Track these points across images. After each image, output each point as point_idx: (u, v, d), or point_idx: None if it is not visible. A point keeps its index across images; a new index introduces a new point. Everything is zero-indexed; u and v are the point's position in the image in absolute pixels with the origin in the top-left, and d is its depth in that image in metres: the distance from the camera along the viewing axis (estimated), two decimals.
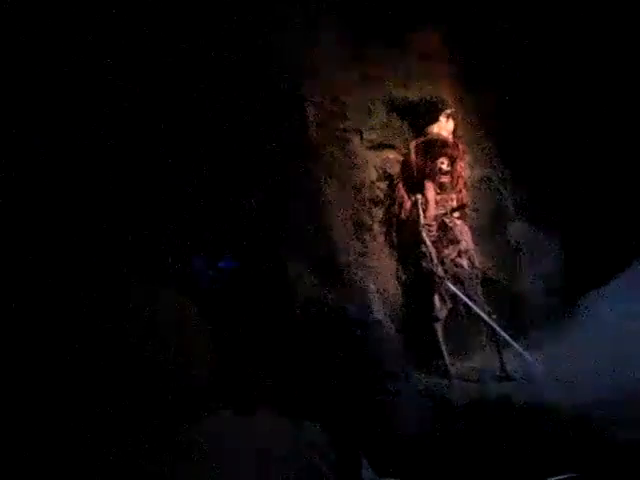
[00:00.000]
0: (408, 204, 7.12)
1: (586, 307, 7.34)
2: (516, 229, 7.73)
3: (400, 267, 7.07)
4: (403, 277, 7.03)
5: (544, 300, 7.50)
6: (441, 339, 6.34)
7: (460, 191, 7.25)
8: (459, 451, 5.16)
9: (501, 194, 7.70)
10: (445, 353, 6.30)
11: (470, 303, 6.49)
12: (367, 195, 7.13)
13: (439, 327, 6.41)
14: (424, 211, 7.01)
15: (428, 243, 6.79)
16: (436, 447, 5.19)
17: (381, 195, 7.17)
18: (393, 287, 6.96)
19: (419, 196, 7.07)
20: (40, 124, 5.65)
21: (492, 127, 7.72)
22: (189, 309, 4.84)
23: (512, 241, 7.63)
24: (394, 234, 7.12)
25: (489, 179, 7.70)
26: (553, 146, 7.64)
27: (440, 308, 6.50)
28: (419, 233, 6.91)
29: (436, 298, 6.54)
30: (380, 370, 5.72)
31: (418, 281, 6.84)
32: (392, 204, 7.18)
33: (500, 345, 6.45)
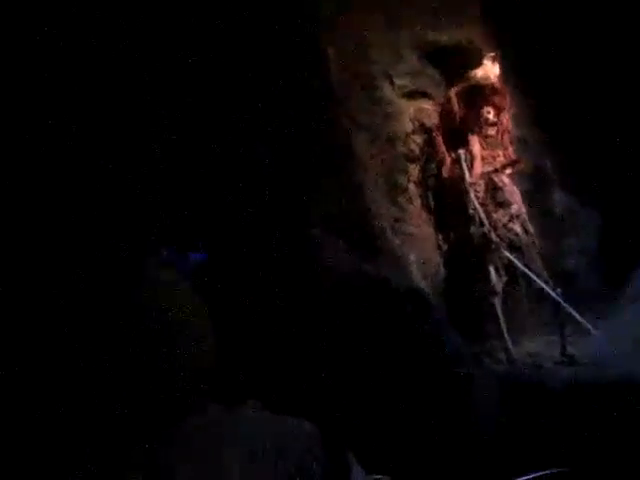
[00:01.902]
0: (449, 161, 6.13)
1: (632, 285, 6.50)
2: (557, 197, 6.81)
3: (440, 235, 6.10)
4: (444, 247, 6.05)
5: (588, 276, 6.61)
6: (501, 316, 5.36)
7: (506, 148, 6.30)
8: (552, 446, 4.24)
9: (540, 158, 6.77)
10: (506, 332, 5.31)
11: (531, 274, 5.53)
12: (402, 150, 6.13)
13: (497, 302, 5.42)
14: (469, 168, 6.03)
15: (477, 205, 5.80)
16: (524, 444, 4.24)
17: (417, 150, 6.16)
18: (435, 258, 5.96)
19: (462, 151, 6.08)
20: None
21: (530, 82, 6.79)
22: (186, 293, 3.96)
23: (554, 210, 6.71)
24: (432, 196, 6.14)
25: (525, 141, 6.77)
26: (597, 107, 6.73)
27: (497, 280, 5.53)
28: (464, 194, 5.91)
29: (491, 268, 5.55)
30: (441, 352, 4.71)
31: (465, 250, 5.85)
32: (430, 161, 6.18)
33: (564, 323, 5.51)
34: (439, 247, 5.96)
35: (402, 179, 6.03)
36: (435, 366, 4.89)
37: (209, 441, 1.85)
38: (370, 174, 6.00)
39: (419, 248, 5.90)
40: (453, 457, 4.34)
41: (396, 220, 5.93)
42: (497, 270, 5.53)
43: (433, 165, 6.11)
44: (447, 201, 6.05)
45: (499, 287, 5.48)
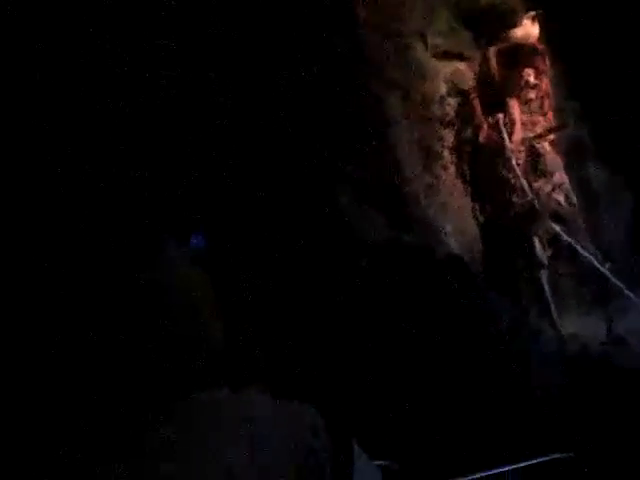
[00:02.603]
0: (486, 126, 5.73)
1: None
2: (593, 170, 6.40)
3: (477, 205, 5.70)
4: (481, 218, 5.64)
5: (623, 252, 6.22)
6: (548, 291, 4.97)
7: (546, 113, 5.90)
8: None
9: (578, 128, 6.36)
10: (553, 307, 4.92)
11: (578, 247, 5.14)
12: (436, 113, 5.71)
13: (544, 276, 5.02)
14: (509, 134, 5.63)
15: (519, 172, 5.40)
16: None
17: (452, 114, 5.75)
18: (471, 229, 5.56)
19: (501, 116, 5.69)
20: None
21: (566, 48, 6.38)
22: (198, 277, 3.59)
23: (590, 182, 6.31)
24: (467, 164, 5.73)
25: (561, 109, 6.36)
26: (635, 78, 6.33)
27: (542, 253, 5.13)
28: (504, 161, 5.51)
29: (536, 240, 5.15)
30: (493, 327, 4.31)
31: (504, 222, 5.45)
32: (465, 126, 5.78)
33: (612, 299, 5.12)
34: (475, 218, 5.56)
35: (436, 145, 5.62)
36: (488, 341, 4.50)
37: (208, 422, 1.80)
38: (403, 139, 5.59)
39: (455, 218, 5.50)
40: (508, 433, 4.00)
41: (430, 188, 5.52)
42: (542, 242, 5.14)
43: (469, 131, 5.71)
44: (484, 169, 5.64)
45: (545, 260, 5.09)
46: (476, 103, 5.63)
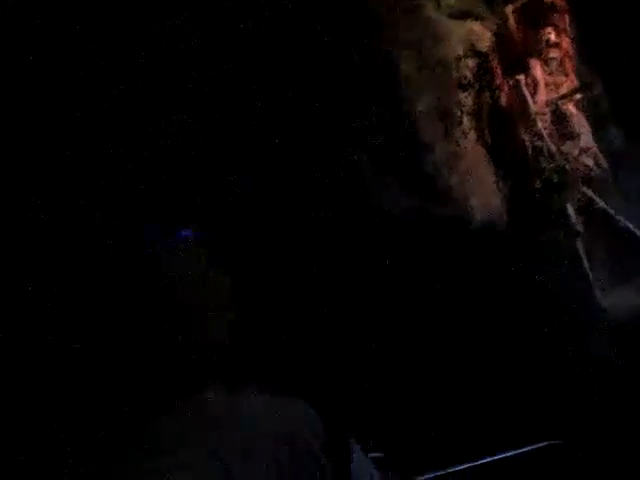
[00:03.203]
0: (507, 88, 5.37)
1: None
2: (612, 134, 6.07)
3: (500, 172, 5.34)
4: (505, 185, 5.29)
5: None
6: (585, 259, 4.61)
7: (568, 74, 5.55)
8: None
9: (597, 89, 6.02)
10: (591, 276, 4.57)
11: (614, 213, 4.79)
12: (453, 76, 5.34)
13: (581, 245, 4.66)
14: (532, 95, 5.27)
15: (545, 135, 5.04)
16: None
17: (469, 76, 5.39)
18: (496, 199, 5.20)
19: (522, 77, 5.33)
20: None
21: (586, 5, 6.04)
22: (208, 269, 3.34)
23: (613, 147, 5.97)
24: (488, 130, 5.37)
25: (583, 70, 6.02)
26: None
27: (576, 220, 4.77)
28: (527, 125, 5.15)
29: (569, 207, 4.79)
30: (528, 300, 3.97)
31: (531, 189, 5.09)
32: (484, 89, 5.41)
33: None
34: (499, 186, 5.20)
35: (455, 109, 5.25)
36: (524, 316, 4.17)
37: (208, 422, 1.80)
38: (421, 103, 5.23)
39: (479, 186, 5.14)
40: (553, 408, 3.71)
41: (451, 155, 5.16)
42: (575, 209, 4.79)
43: (488, 94, 5.35)
44: (506, 134, 5.28)
45: (580, 227, 4.74)
46: (495, 64, 5.25)
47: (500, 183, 5.30)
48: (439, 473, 3.76)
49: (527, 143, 5.10)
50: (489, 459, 3.80)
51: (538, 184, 4.96)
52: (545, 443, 3.85)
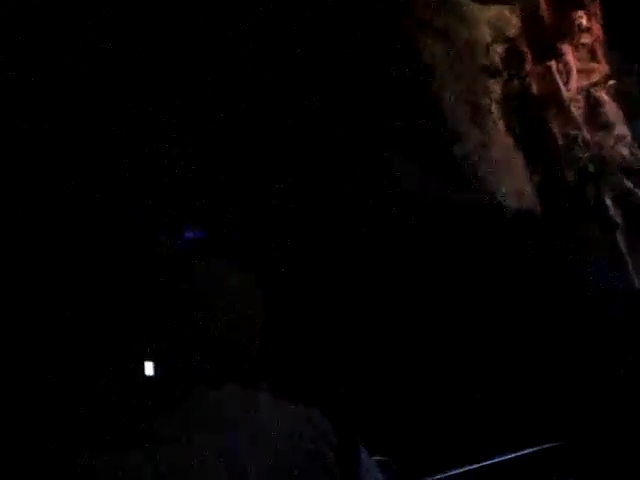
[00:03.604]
0: (537, 75, 5.14)
1: None
2: None
3: (531, 163, 5.11)
4: (536, 176, 5.06)
5: None
6: (626, 252, 4.39)
7: (600, 60, 5.34)
8: None
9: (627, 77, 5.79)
10: (633, 272, 4.34)
11: None
12: (482, 62, 5.11)
13: (620, 237, 4.44)
14: (564, 82, 5.05)
15: (580, 123, 4.81)
16: None
17: (498, 63, 5.17)
18: (528, 188, 4.97)
19: (553, 63, 5.11)
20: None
21: None
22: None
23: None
24: (517, 118, 5.14)
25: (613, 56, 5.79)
26: None
27: (615, 211, 4.54)
28: (561, 113, 4.91)
29: (607, 198, 4.56)
30: (567, 290, 3.76)
31: (567, 179, 4.87)
32: (513, 76, 5.19)
33: None
34: (529, 175, 4.97)
35: (483, 97, 5.02)
36: (562, 306, 3.95)
37: (222, 421, 1.77)
38: (449, 91, 5.00)
39: (508, 175, 4.91)
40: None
41: (480, 144, 4.93)
42: (614, 199, 4.56)
43: (517, 81, 5.13)
44: (536, 123, 5.06)
45: (619, 219, 4.51)
46: (524, 50, 5.02)
47: (531, 173, 5.09)
48: (442, 475, 3.73)
49: (559, 132, 4.88)
50: (492, 461, 3.78)
51: (572, 174, 4.74)
52: (550, 445, 3.82)
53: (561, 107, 4.86)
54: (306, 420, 1.83)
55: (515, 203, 4.71)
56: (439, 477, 3.72)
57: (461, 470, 3.71)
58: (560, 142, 4.87)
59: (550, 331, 4.22)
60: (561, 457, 3.75)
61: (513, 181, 4.87)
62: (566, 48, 5.05)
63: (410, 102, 4.71)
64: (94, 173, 4.58)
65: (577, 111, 4.83)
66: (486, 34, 5.11)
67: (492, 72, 5.07)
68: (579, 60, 5.07)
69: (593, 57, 5.17)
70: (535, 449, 3.81)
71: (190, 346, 1.86)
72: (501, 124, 5.09)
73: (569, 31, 5.06)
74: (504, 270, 4.46)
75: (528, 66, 5.15)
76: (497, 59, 5.11)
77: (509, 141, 5.10)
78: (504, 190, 4.67)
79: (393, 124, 4.64)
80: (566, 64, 5.01)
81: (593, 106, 4.89)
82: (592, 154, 4.60)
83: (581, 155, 4.65)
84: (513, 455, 3.77)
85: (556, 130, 4.95)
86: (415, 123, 4.62)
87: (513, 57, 5.17)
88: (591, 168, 4.60)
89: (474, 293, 4.48)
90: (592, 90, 4.91)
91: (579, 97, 4.88)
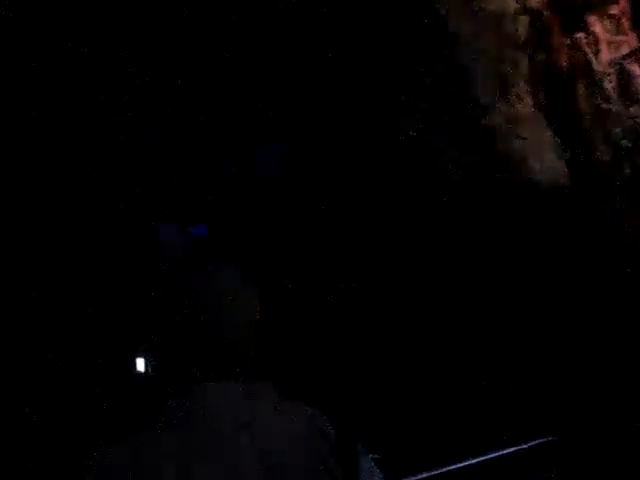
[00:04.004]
0: (565, 47, 4.93)
1: None
2: None
3: (560, 139, 4.89)
4: (567, 153, 4.84)
5: None
6: None
7: (627, 32, 5.13)
8: None
9: None
10: None
11: None
12: (508, 32, 4.88)
13: None
14: (594, 55, 4.83)
15: (614, 97, 4.60)
16: None
17: (524, 35, 4.95)
18: (558, 164, 4.75)
19: (581, 35, 4.89)
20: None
21: None
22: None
23: None
24: (545, 92, 4.92)
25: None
26: None
27: None
28: (592, 86, 4.68)
29: None
30: (603, 273, 3.57)
31: (600, 156, 4.65)
32: (541, 49, 4.96)
33: None
34: (559, 150, 4.75)
35: (511, 70, 4.81)
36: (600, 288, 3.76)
37: (225, 423, 1.75)
38: (474, 63, 4.77)
39: (537, 151, 4.69)
40: None
41: (509, 119, 4.71)
42: None
43: (544, 54, 4.91)
44: (565, 97, 4.84)
45: None
46: (551, 22, 4.80)
47: (561, 148, 4.87)
48: (433, 472, 3.69)
49: (590, 106, 4.67)
50: (483, 457, 3.77)
51: (605, 149, 4.53)
52: (540, 440, 3.80)
53: (592, 80, 4.65)
54: (307, 421, 1.83)
55: (547, 180, 4.49)
56: (430, 474, 3.68)
57: (452, 467, 3.68)
58: (591, 117, 4.66)
59: (579, 312, 4.04)
60: (551, 453, 3.72)
61: (544, 157, 4.66)
62: (593, 20, 4.83)
63: (436, 75, 4.48)
64: (88, 172, 4.45)
65: (609, 84, 4.63)
66: (511, 4, 4.89)
67: (518, 45, 4.85)
68: (609, 31, 4.88)
69: (620, 29, 4.98)
70: (525, 445, 3.72)
71: (187, 346, 1.82)
72: (529, 100, 4.88)
73: (596, 2, 4.85)
74: (535, 249, 4.26)
75: (555, 38, 4.94)
76: (522, 31, 4.90)
77: (538, 116, 4.89)
78: (535, 167, 4.46)
79: (417, 102, 4.41)
80: (595, 36, 4.79)
81: (625, 79, 4.68)
82: (626, 128, 4.40)
83: (614, 129, 4.44)
84: (504, 451, 3.75)
85: (587, 104, 4.74)
86: (441, 99, 4.39)
87: (539, 29, 4.95)
88: (625, 143, 4.39)
89: (502, 274, 4.28)
90: (624, 63, 4.71)
91: (610, 70, 4.68)
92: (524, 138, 4.52)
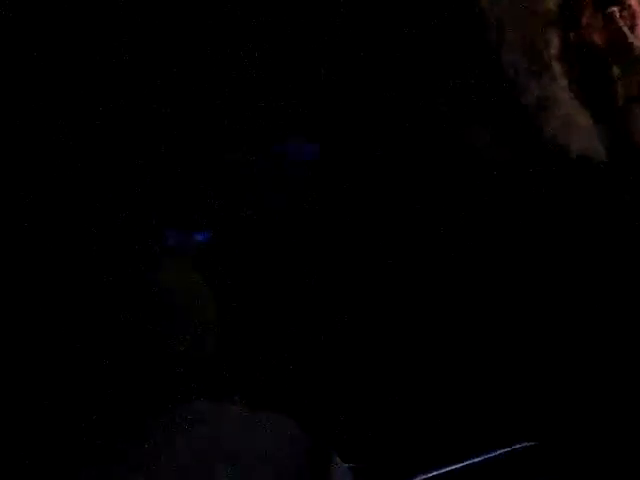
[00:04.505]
0: (599, 24, 4.68)
1: None
2: None
3: (597, 120, 4.66)
4: (603, 136, 4.60)
5: None
6: None
7: None
8: None
9: None
10: None
11: None
12: (539, 9, 4.65)
13: None
14: (630, 29, 4.59)
15: None
16: None
17: (556, 10, 4.71)
18: (597, 149, 4.52)
19: (615, 9, 4.64)
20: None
21: None
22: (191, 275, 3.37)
23: None
24: (580, 71, 4.69)
25: None
26: None
27: None
28: (631, 63, 4.47)
29: None
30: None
31: (638, 139, 4.42)
32: (571, 27, 4.72)
33: None
34: (596, 134, 4.52)
35: (544, 49, 4.58)
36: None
37: (193, 439, 1.89)
38: (507, 41, 4.54)
39: (574, 134, 4.47)
40: None
41: (545, 100, 4.47)
42: None
43: (577, 31, 4.67)
44: (600, 76, 4.61)
45: None
46: None
47: (598, 131, 4.65)
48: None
49: (625, 84, 4.44)
50: (463, 464, 3.69)
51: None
52: (520, 445, 3.72)
53: (627, 56, 4.41)
54: (282, 435, 1.86)
55: (582, 161, 4.28)
56: None
57: (432, 474, 3.63)
58: (627, 95, 4.43)
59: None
60: (534, 458, 3.64)
61: (581, 141, 4.44)
62: None
63: (467, 55, 4.25)
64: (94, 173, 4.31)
65: None
66: None
67: (551, 22, 4.61)
68: None
69: None
70: (504, 450, 3.75)
71: (147, 358, 1.85)
72: (563, 80, 4.66)
73: None
74: (574, 234, 4.08)
75: (587, 14, 4.70)
76: (553, 7, 4.67)
77: (573, 96, 4.67)
78: (570, 147, 4.24)
79: (447, 82, 4.19)
80: (630, 10, 4.56)
81: None
82: None
83: None
84: (483, 457, 3.69)
85: (622, 82, 4.50)
86: (472, 80, 4.17)
87: (570, 4, 4.72)
88: None
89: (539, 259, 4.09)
90: None
91: None
92: (559, 118, 4.30)
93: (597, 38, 4.19)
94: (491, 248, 4.08)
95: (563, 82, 4.34)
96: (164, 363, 1.84)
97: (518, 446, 3.76)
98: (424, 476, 3.60)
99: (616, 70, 4.15)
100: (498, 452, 3.68)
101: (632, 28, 4.18)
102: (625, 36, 4.12)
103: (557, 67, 4.27)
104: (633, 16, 4.26)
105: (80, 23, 4.23)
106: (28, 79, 4.08)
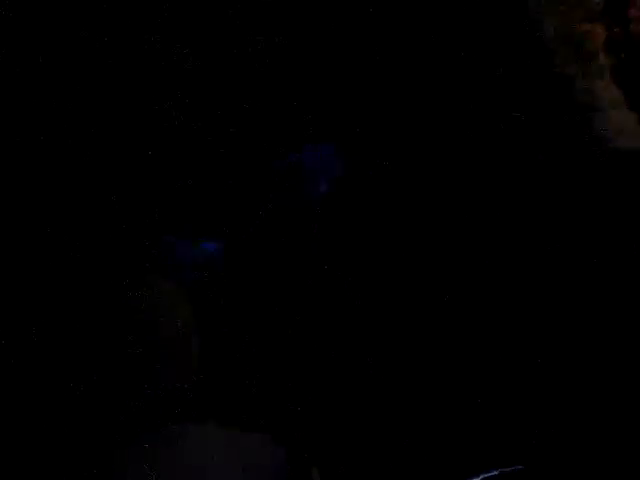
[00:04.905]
0: None
1: None
2: None
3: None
4: None
5: None
6: None
7: None
8: None
9: None
10: None
11: None
12: (585, 3, 4.56)
13: None
14: None
15: None
16: None
17: (600, 4, 4.61)
18: None
19: None
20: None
21: None
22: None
23: None
24: (625, 67, 4.58)
25: None
26: None
27: None
28: None
29: None
30: None
31: None
32: (616, 20, 4.62)
33: None
34: None
35: (587, 42, 4.48)
36: None
37: (168, 456, 1.77)
38: (549, 33, 4.45)
39: (622, 138, 4.35)
40: None
41: (589, 95, 4.36)
42: None
43: (622, 24, 4.56)
44: None
45: None
46: None
47: None
48: None
49: None
50: None
51: None
52: (508, 469, 3.52)
53: None
54: (260, 452, 1.77)
55: (630, 160, 4.15)
56: None
57: None
58: None
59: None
60: None
61: (626, 137, 4.31)
62: None
63: (511, 43, 4.16)
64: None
65: None
66: None
67: (594, 14, 4.51)
68: None
69: None
70: (491, 474, 3.57)
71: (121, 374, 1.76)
72: (607, 74, 4.54)
73: None
74: (619, 234, 3.93)
75: (633, 8, 4.60)
76: (599, 1, 4.57)
77: (616, 93, 4.56)
78: (616, 146, 4.12)
79: (488, 73, 4.09)
80: None
81: None
82: None
83: None
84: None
85: None
86: (514, 70, 4.07)
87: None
88: None
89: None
90: None
91: None
92: (605, 114, 4.17)
93: None
94: (533, 246, 3.92)
95: (607, 75, 4.21)
96: (146, 384, 1.82)
97: (509, 469, 3.63)
98: None
99: None
100: (489, 474, 3.55)
101: None
102: None
103: (603, 59, 4.14)
104: None
105: (93, 26, 4.24)
106: (31, 82, 4.09)
